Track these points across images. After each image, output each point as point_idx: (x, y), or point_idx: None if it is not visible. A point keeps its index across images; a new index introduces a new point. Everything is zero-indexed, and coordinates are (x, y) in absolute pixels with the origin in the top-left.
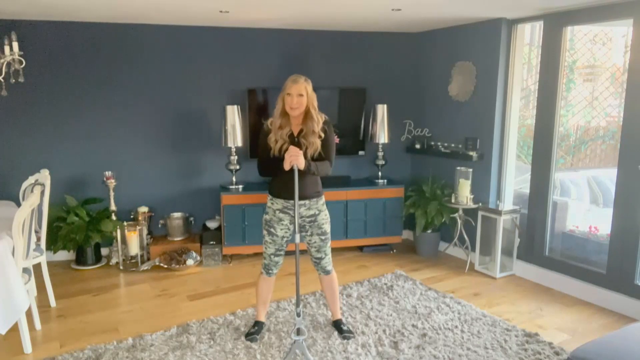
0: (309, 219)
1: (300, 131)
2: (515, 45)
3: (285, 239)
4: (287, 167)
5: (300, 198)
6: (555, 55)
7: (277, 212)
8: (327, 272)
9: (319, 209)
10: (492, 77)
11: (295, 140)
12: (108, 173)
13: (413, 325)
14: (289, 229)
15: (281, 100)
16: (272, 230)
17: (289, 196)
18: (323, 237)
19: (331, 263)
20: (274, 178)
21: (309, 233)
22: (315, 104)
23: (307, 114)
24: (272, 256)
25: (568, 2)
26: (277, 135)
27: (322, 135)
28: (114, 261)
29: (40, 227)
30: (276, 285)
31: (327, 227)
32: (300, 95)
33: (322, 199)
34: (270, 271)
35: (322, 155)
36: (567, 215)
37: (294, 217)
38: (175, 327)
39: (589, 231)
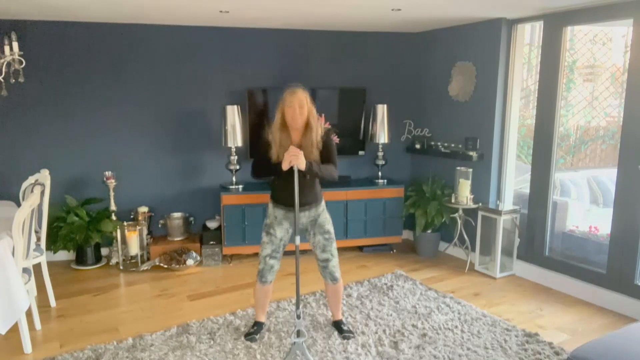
0: (310, 222)
1: (300, 144)
2: (515, 45)
3: (283, 242)
4: (285, 167)
5: (300, 205)
6: (555, 55)
7: (278, 216)
8: (335, 280)
9: (319, 213)
10: (492, 77)
11: None
12: (108, 173)
13: (413, 325)
14: (288, 232)
15: (279, 114)
16: (271, 231)
17: (290, 203)
18: (326, 236)
19: (339, 269)
20: (275, 185)
21: (311, 234)
22: (315, 113)
23: (307, 126)
24: (267, 258)
25: (568, 2)
26: (280, 152)
27: (321, 145)
28: (114, 261)
29: (40, 227)
30: (276, 285)
31: (330, 227)
32: (301, 107)
33: (322, 205)
34: (264, 278)
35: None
36: (567, 215)
37: (294, 219)
38: (175, 327)
39: (589, 231)
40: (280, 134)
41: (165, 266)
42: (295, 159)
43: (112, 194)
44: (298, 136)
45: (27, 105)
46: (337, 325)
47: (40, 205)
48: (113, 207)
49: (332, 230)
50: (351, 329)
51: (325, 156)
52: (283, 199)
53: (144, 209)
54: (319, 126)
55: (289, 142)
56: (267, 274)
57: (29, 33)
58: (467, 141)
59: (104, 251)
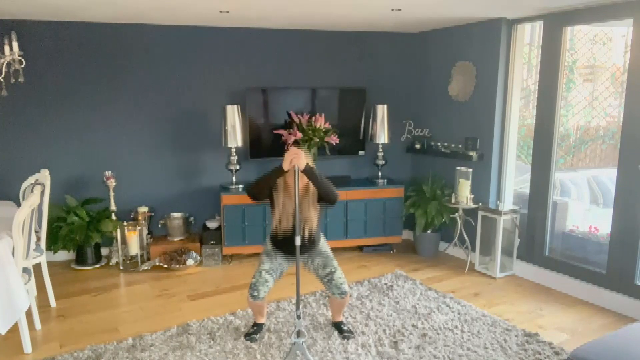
0: (308, 252)
1: (301, 204)
2: (515, 45)
3: (282, 266)
4: (286, 166)
5: (300, 252)
6: (555, 55)
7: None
8: (343, 294)
9: (316, 246)
10: (492, 77)
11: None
12: (108, 173)
13: (413, 325)
14: (288, 262)
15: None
16: (272, 254)
17: (290, 253)
18: (324, 255)
19: (346, 281)
20: (274, 229)
21: (309, 261)
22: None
23: (307, 186)
24: (263, 272)
25: (568, 2)
26: (281, 214)
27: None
28: (114, 261)
29: (40, 227)
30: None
31: (327, 249)
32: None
33: (321, 242)
34: (256, 292)
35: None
36: (567, 215)
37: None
38: (175, 327)
39: (589, 231)
40: (283, 198)
41: (165, 266)
42: (296, 158)
43: (112, 194)
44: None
45: (27, 105)
46: (337, 325)
47: (40, 205)
48: (113, 207)
49: (329, 251)
50: (351, 329)
51: None
52: (283, 247)
53: (144, 209)
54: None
55: (292, 206)
56: (260, 287)
57: (29, 33)
58: (467, 141)
59: (104, 251)
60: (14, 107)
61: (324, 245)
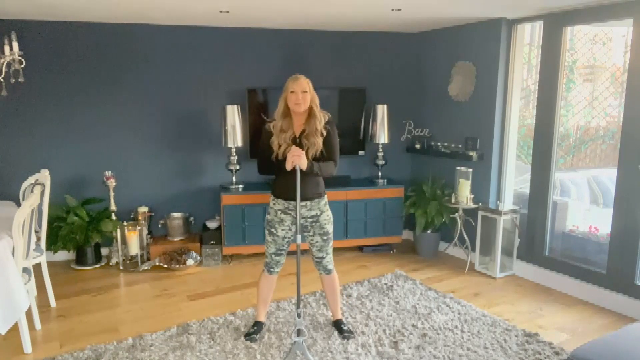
0: (311, 219)
1: (303, 131)
2: (515, 45)
3: (286, 240)
4: (289, 167)
5: (302, 199)
6: (555, 55)
7: (279, 212)
8: (329, 272)
9: (321, 210)
10: (492, 77)
11: (297, 142)
12: (108, 173)
13: (413, 325)
14: (290, 230)
15: (282, 101)
16: (273, 230)
17: (291, 197)
18: (325, 237)
19: (332, 262)
20: (276, 178)
21: (311, 233)
22: (317, 102)
23: (310, 113)
24: (273, 255)
25: (568, 2)
26: (280, 139)
27: (324, 134)
28: (114, 261)
29: (40, 227)
30: (276, 285)
31: (330, 227)
32: (304, 92)
33: (324, 199)
34: (271, 269)
35: (324, 155)
36: (567, 215)
37: (296, 217)
38: (175, 327)
39: (589, 231)
40: (282, 121)
41: (165, 266)
42: (297, 159)
43: (112, 194)
44: (301, 124)
45: (27, 105)
46: (337, 325)
47: (40, 205)
48: (113, 207)
49: (331, 230)
50: (351, 329)
51: (327, 147)
52: (284, 193)
53: (144, 209)
54: (322, 114)
55: (292, 129)
56: (274, 266)
57: (29, 33)
58: (467, 141)
59: (104, 251)
60: (14, 107)
61: (328, 215)
